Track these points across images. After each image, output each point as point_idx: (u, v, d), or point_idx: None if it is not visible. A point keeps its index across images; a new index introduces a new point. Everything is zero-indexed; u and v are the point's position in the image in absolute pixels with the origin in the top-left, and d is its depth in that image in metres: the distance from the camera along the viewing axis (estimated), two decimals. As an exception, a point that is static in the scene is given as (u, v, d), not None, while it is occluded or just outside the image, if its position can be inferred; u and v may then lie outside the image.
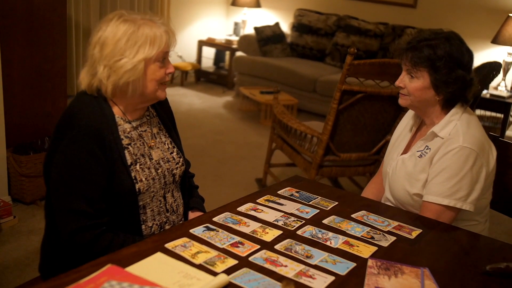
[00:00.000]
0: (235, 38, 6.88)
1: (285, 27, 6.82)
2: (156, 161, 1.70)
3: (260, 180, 3.94)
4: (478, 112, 5.47)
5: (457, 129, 1.78)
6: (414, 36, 1.80)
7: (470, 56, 1.79)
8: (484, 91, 5.07)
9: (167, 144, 1.78)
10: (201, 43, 7.01)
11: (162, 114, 1.80)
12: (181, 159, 1.80)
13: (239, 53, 6.63)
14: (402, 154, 1.95)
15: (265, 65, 6.14)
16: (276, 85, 5.85)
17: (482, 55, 5.53)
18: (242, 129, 5.29)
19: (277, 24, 6.62)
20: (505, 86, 5.16)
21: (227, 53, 7.00)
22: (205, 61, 7.19)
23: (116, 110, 1.63)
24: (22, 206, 3.23)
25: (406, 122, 2.04)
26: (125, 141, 1.62)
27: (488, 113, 5.47)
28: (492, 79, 4.48)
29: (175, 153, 1.79)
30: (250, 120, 5.61)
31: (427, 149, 1.84)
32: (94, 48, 1.56)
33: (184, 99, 6.15)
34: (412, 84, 1.80)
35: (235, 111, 5.90)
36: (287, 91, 5.82)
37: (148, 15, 1.60)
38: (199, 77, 7.07)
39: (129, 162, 1.61)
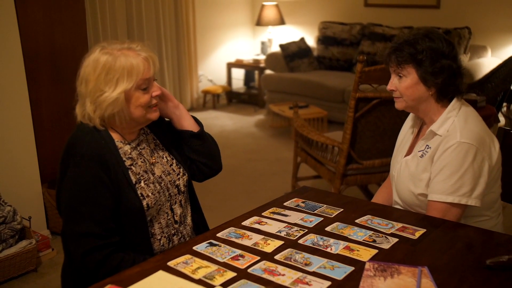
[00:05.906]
0: (263, 57, 6.96)
1: (311, 41, 6.85)
2: (158, 176, 1.77)
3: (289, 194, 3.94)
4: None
5: (455, 125, 1.77)
6: (394, 40, 1.84)
7: (451, 46, 1.80)
8: (517, 85, 4.92)
9: (165, 157, 1.84)
10: (230, 65, 7.13)
11: (155, 129, 1.86)
12: (181, 169, 1.86)
13: (267, 71, 6.70)
14: (405, 156, 1.95)
15: (293, 81, 6.18)
16: (304, 99, 5.89)
17: (513, 49, 5.40)
18: (274, 146, 5.33)
19: (302, 39, 6.66)
20: (539, 78, 4.99)
21: (256, 72, 7.09)
22: (236, 82, 7.29)
23: (115, 135, 1.70)
24: (60, 239, 3.35)
25: (409, 125, 2.04)
26: (127, 162, 1.69)
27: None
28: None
29: (174, 165, 1.85)
30: (281, 136, 5.64)
31: (427, 148, 1.83)
32: (80, 84, 1.64)
33: (216, 122, 6.25)
34: (402, 83, 1.82)
35: (267, 128, 5.95)
36: (317, 104, 5.83)
37: (126, 43, 1.66)
38: (231, 99, 7.18)
39: (133, 181, 1.68)
